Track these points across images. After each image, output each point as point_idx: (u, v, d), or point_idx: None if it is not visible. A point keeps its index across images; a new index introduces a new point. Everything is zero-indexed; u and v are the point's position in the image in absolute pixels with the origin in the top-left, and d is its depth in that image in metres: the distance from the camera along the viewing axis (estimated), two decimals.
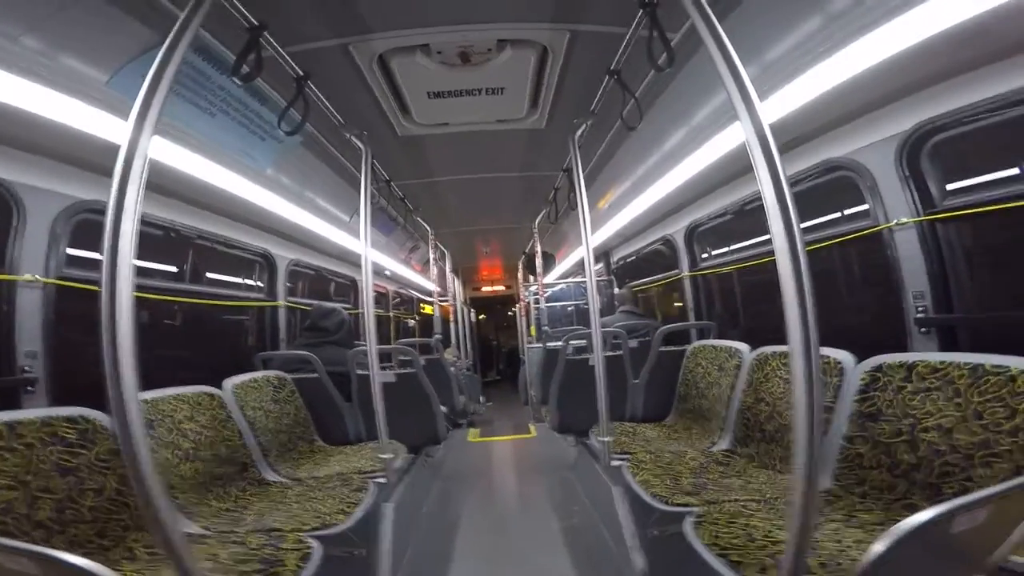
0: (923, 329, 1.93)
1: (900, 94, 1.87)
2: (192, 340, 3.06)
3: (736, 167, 2.76)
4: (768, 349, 2.21)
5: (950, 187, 1.89)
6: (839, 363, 1.78)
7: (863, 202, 2.18)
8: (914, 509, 1.39)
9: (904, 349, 1.95)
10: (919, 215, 1.93)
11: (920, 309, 1.94)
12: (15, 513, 1.35)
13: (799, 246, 0.98)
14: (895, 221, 1.99)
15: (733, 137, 2.34)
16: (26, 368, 1.89)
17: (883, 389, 1.58)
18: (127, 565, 1.45)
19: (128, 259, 0.95)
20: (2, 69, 1.47)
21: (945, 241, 1.90)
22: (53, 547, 1.25)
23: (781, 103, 1.93)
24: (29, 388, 1.89)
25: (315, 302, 3.68)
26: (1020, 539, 1.01)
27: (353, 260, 4.89)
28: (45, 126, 1.72)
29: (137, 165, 0.99)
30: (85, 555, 0.89)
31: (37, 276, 1.93)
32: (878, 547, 0.88)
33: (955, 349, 1.85)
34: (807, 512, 0.97)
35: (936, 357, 1.50)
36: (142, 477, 0.96)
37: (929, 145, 1.89)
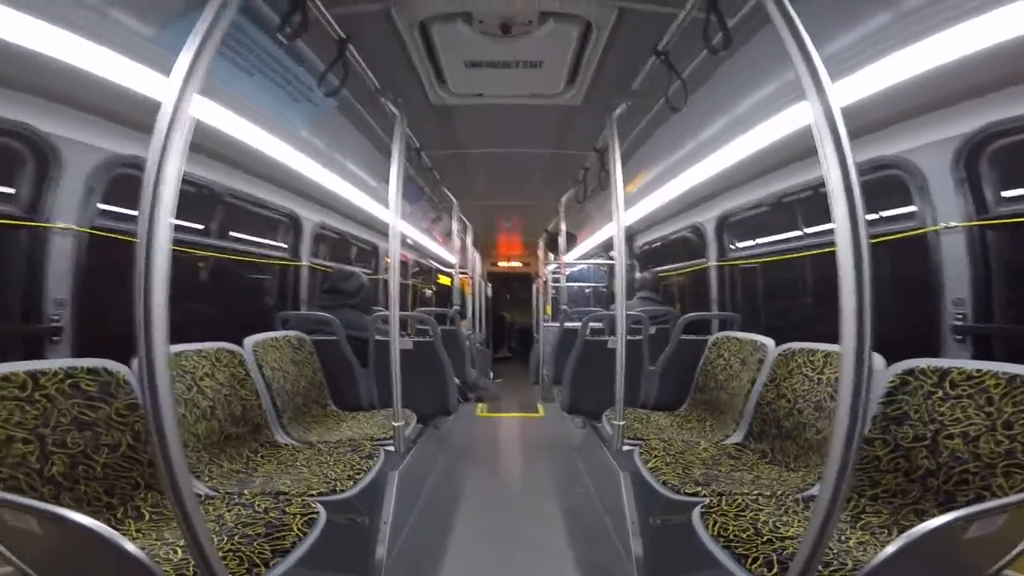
0: (959, 337, 1.89)
1: (960, 97, 1.79)
2: (215, 296, 3.10)
3: (775, 159, 2.67)
4: (796, 345, 2.16)
5: (1006, 194, 1.83)
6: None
7: (899, 205, 2.12)
8: (923, 514, 1.39)
9: (936, 356, 1.92)
10: (971, 219, 1.87)
11: (959, 317, 1.90)
12: (27, 467, 1.30)
13: (862, 238, 0.93)
14: (943, 225, 1.93)
15: (777, 128, 2.26)
16: (54, 316, 1.88)
17: (912, 393, 1.56)
18: (131, 524, 1.44)
19: (168, 213, 0.94)
20: (51, 23, 1.45)
21: (995, 249, 1.84)
22: (60, 504, 1.24)
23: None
24: (55, 338, 1.88)
25: (336, 265, 3.70)
26: (1020, 553, 1.01)
27: (376, 227, 4.90)
28: (87, 80, 1.70)
29: (181, 121, 0.97)
30: (91, 513, 0.88)
31: (71, 225, 1.93)
32: (891, 548, 0.88)
33: (990, 359, 1.82)
34: (830, 513, 0.96)
35: (972, 365, 1.46)
36: (163, 431, 0.94)
37: (990, 150, 1.82)
